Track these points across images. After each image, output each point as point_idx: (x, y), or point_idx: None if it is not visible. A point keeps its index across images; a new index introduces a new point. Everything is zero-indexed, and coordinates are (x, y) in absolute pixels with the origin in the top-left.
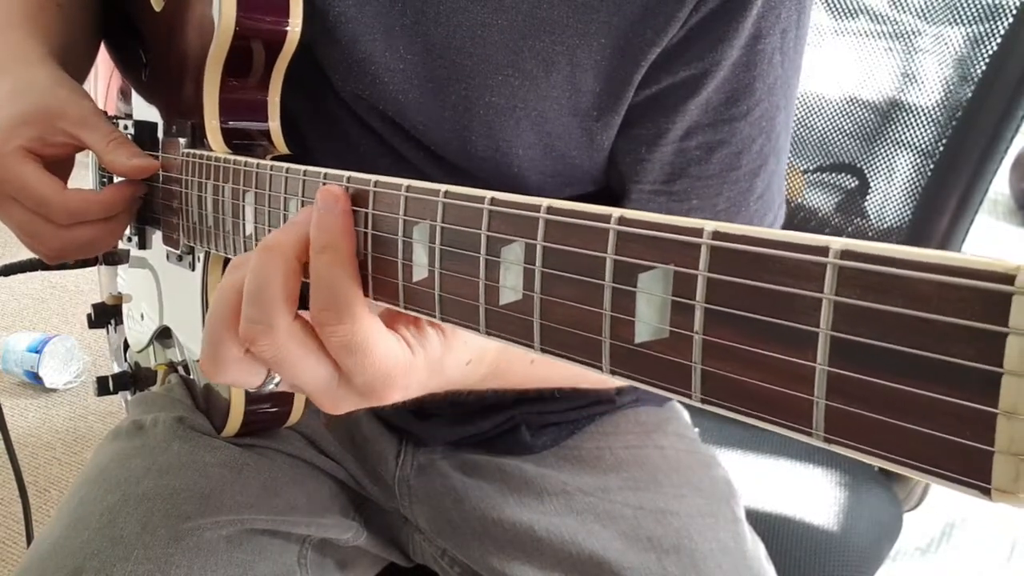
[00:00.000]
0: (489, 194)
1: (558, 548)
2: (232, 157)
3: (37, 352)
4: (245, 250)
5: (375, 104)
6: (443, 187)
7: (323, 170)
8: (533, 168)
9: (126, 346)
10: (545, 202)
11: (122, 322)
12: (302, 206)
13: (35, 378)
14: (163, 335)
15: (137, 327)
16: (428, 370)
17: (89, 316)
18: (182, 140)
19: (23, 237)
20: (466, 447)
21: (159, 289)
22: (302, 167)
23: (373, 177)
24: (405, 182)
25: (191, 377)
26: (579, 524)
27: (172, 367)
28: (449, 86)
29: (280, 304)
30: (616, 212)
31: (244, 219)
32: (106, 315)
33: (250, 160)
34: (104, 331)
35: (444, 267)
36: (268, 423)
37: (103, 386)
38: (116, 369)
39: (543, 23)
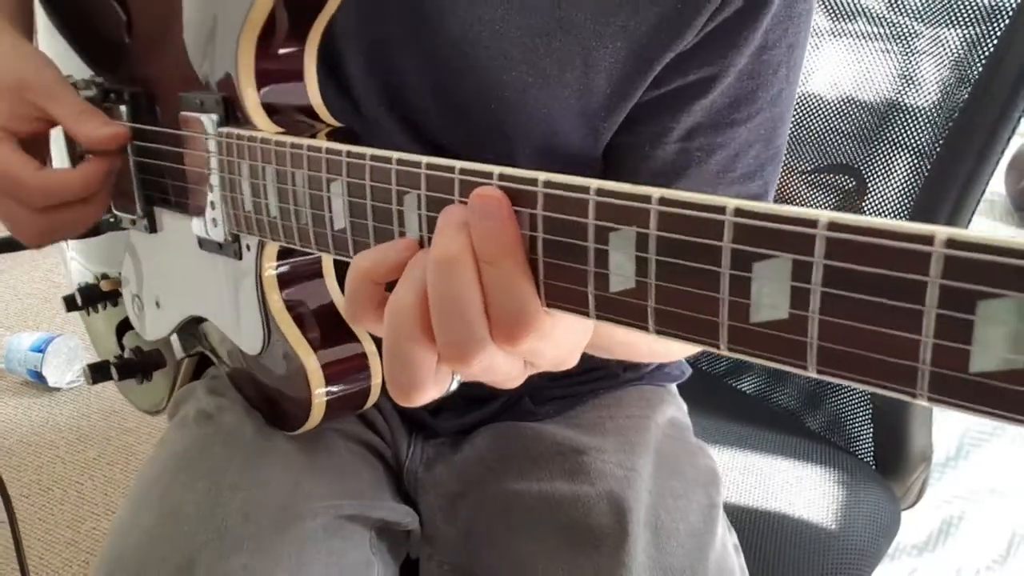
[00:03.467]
0: (595, 183)
1: (548, 515)
2: (302, 141)
3: (40, 351)
4: (333, 245)
5: (389, 85)
6: (542, 175)
7: (457, 163)
8: (531, 165)
9: (120, 331)
10: (656, 192)
11: (115, 304)
12: (424, 202)
13: (38, 377)
14: (190, 324)
15: (151, 315)
16: (584, 329)
17: (70, 298)
18: (212, 117)
19: (5, 222)
20: (472, 428)
21: (186, 278)
22: (421, 158)
23: (541, 175)
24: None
25: (241, 367)
26: (569, 487)
27: (205, 357)
28: (463, 77)
29: (484, 317)
30: (731, 203)
31: (331, 211)
32: (94, 299)
33: (334, 146)
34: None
35: (547, 257)
36: (348, 410)
37: (101, 372)
38: (92, 353)
39: (561, 23)
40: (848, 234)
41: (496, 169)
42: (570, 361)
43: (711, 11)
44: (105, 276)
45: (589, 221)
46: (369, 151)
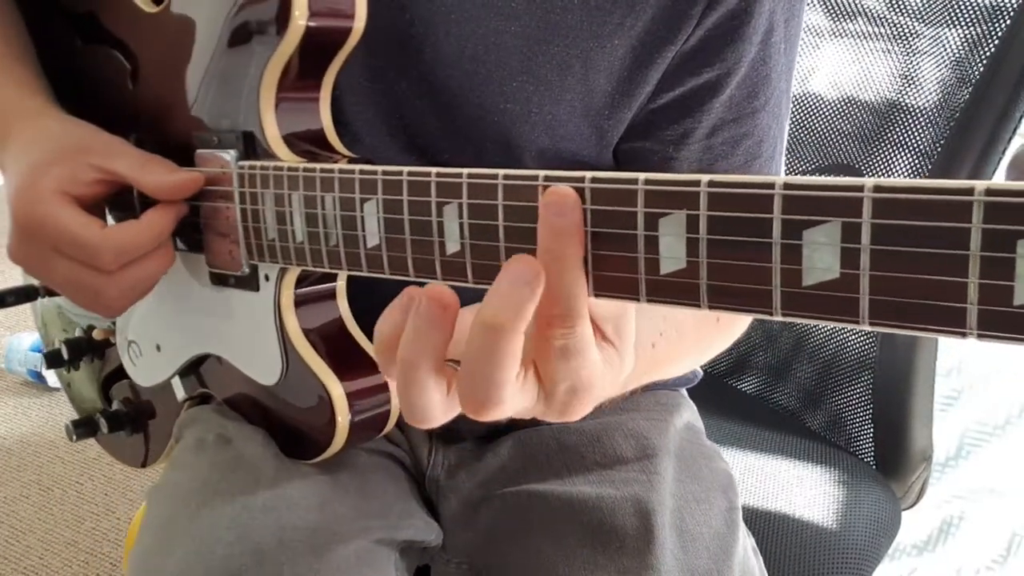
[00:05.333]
0: (642, 175)
1: (571, 517)
2: (332, 166)
3: (40, 351)
4: (366, 263)
5: (391, 112)
6: (588, 174)
7: (499, 171)
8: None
9: (107, 382)
10: (704, 177)
11: (100, 357)
12: (466, 210)
13: (38, 377)
14: (192, 366)
15: (150, 360)
16: (611, 380)
17: (55, 353)
18: (231, 152)
19: (75, 294)
20: (492, 434)
21: (193, 316)
22: (461, 170)
23: (587, 173)
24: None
25: (253, 400)
26: (592, 489)
27: (203, 399)
28: (464, 95)
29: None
30: (779, 179)
31: (365, 230)
32: (81, 351)
33: (367, 167)
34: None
35: (595, 249)
36: (368, 434)
37: (87, 427)
38: (68, 405)
39: (557, 28)
40: (894, 194)
41: (540, 172)
42: (586, 403)
43: (706, 1)
44: (92, 327)
45: (639, 209)
46: (406, 168)
